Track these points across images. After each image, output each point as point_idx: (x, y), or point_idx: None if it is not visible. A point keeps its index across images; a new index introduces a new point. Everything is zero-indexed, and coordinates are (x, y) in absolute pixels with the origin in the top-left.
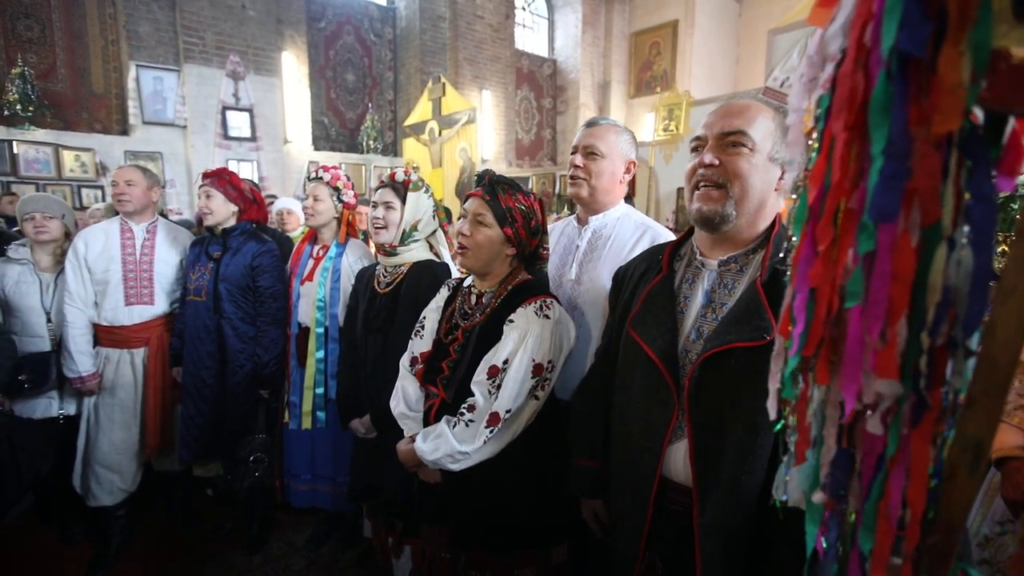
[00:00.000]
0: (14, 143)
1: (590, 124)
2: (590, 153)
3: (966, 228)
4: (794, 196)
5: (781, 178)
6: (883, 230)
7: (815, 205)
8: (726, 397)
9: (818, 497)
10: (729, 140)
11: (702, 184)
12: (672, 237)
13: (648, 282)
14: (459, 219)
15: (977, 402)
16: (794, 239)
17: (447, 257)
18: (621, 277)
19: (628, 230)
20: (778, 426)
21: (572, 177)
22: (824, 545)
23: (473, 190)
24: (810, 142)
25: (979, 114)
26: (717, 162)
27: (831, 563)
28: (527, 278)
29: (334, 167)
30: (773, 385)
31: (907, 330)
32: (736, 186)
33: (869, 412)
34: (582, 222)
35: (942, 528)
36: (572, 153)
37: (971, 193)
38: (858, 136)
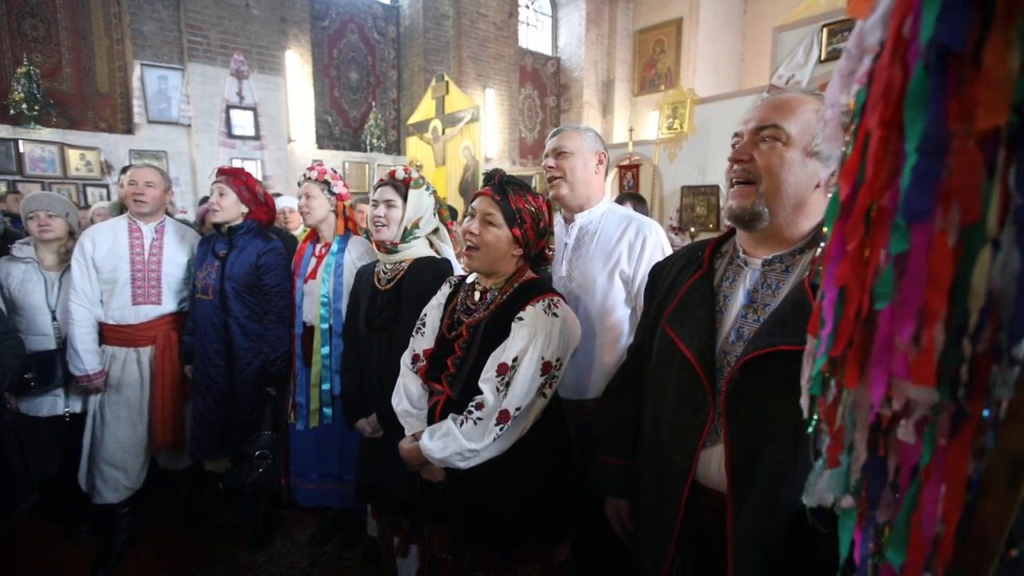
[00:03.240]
0: (20, 142)
1: (554, 134)
2: (560, 153)
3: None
4: (829, 195)
5: (834, 174)
6: (917, 230)
7: (847, 202)
8: (767, 403)
9: (846, 502)
10: (762, 134)
11: (735, 181)
12: (659, 227)
13: (687, 278)
14: (464, 218)
15: (1018, 415)
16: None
17: (448, 253)
18: (658, 272)
19: (613, 223)
20: (810, 427)
21: (550, 179)
22: (860, 557)
23: (482, 189)
24: (846, 138)
25: None
26: (746, 157)
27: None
28: (533, 276)
29: (319, 163)
30: (805, 383)
31: (944, 335)
32: (765, 182)
33: (903, 420)
34: (568, 221)
35: (974, 546)
36: (544, 160)
37: (1020, 193)
38: (894, 132)
